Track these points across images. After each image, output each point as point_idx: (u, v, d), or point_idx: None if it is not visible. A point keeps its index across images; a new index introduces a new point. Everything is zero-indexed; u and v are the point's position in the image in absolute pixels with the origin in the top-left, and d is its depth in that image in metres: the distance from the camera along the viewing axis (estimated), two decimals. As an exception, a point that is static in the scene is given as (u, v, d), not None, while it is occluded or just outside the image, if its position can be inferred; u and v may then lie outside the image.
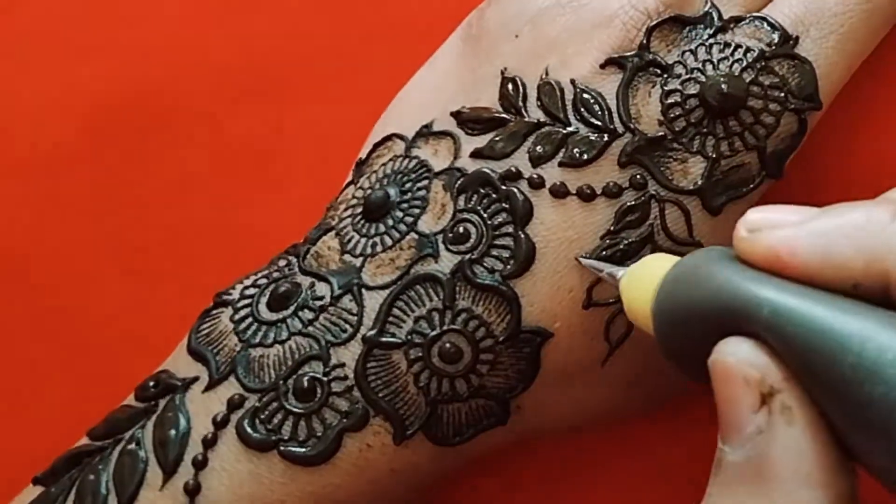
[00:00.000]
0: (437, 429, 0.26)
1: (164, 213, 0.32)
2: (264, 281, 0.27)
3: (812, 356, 0.17)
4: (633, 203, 0.25)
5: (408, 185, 0.27)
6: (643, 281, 0.22)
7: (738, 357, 0.18)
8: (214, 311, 0.27)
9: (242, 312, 0.27)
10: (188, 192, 0.32)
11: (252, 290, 0.27)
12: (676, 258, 0.22)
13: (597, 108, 0.25)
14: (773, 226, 0.19)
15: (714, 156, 0.25)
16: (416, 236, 0.26)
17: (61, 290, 0.32)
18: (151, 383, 0.27)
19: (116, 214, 0.32)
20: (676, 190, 0.25)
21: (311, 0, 0.31)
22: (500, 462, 0.29)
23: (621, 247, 0.25)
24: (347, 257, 0.27)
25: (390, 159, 0.28)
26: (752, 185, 0.25)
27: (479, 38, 0.28)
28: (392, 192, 0.27)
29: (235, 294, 0.27)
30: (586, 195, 0.25)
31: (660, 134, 0.25)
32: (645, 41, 0.25)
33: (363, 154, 0.29)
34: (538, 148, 0.26)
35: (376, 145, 0.28)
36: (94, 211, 0.32)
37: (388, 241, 0.26)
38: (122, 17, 0.32)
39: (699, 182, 0.25)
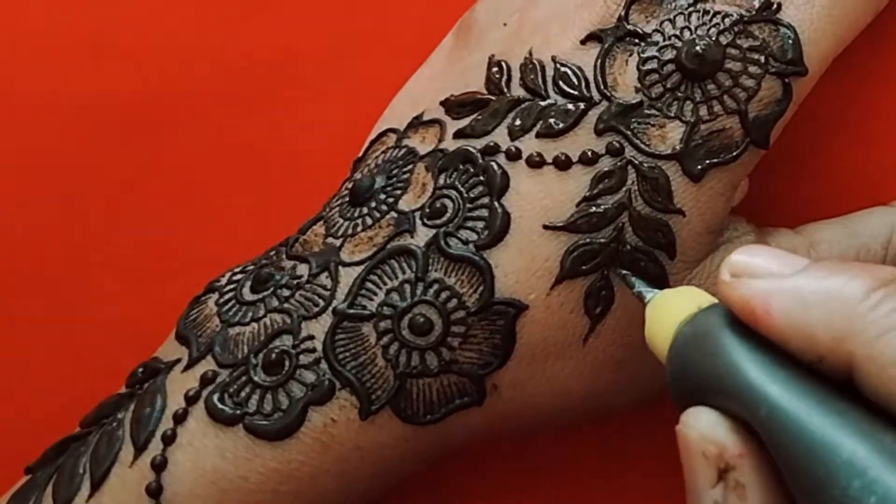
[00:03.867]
0: (406, 405, 0.24)
1: (167, 213, 0.32)
2: (252, 267, 0.28)
3: (802, 469, 0.17)
4: (609, 169, 0.24)
5: (395, 172, 0.27)
6: (664, 319, 0.21)
7: (698, 430, 0.18)
8: (203, 297, 0.28)
9: (227, 296, 0.27)
10: (191, 192, 0.32)
11: (239, 276, 0.27)
12: (698, 299, 0.21)
13: (575, 80, 0.25)
14: (753, 274, 0.18)
15: (693, 120, 0.24)
16: (395, 215, 0.26)
17: (63, 290, 0.32)
18: (140, 370, 0.27)
19: (118, 214, 0.32)
20: (654, 155, 0.24)
21: (314, 2, 0.32)
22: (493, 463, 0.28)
23: (597, 212, 0.24)
24: (330, 240, 0.27)
25: (382, 152, 0.28)
26: (735, 152, 0.24)
27: (469, 30, 0.28)
28: (379, 179, 0.27)
29: (224, 280, 0.28)
30: (562, 163, 0.25)
31: (636, 100, 0.25)
32: (624, 14, 0.25)
33: (361, 153, 0.29)
34: (517, 122, 0.25)
35: (372, 142, 0.29)
36: (96, 210, 0.32)
37: (369, 221, 0.26)
38: (123, 19, 0.32)
39: (677, 146, 0.24)
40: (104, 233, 0.32)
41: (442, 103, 0.27)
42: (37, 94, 0.33)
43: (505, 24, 0.27)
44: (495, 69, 0.27)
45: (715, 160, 0.24)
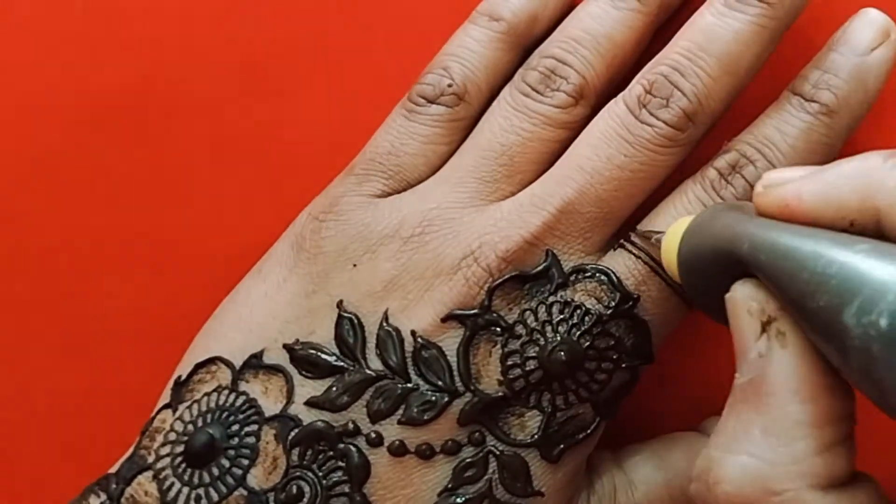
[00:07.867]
0: None
1: (163, 207, 0.31)
2: (75, 526, 0.25)
3: (781, 278, 0.19)
4: (470, 459, 0.25)
5: (235, 428, 0.25)
6: (675, 235, 0.23)
7: (743, 293, 0.20)
8: None
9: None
10: (187, 185, 0.31)
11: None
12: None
13: (437, 365, 0.25)
14: (786, 181, 0.20)
15: (550, 409, 0.25)
16: (244, 492, 0.25)
17: (60, 283, 0.31)
18: None
19: (114, 208, 0.31)
20: (514, 444, 0.25)
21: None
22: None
23: (459, 502, 0.25)
24: None
25: (214, 390, 0.26)
26: (588, 431, 0.26)
27: (314, 259, 0.26)
28: (217, 433, 0.25)
29: None
30: (425, 455, 0.25)
31: (499, 394, 0.25)
32: (486, 302, 0.25)
33: (183, 372, 0.27)
34: (377, 402, 0.25)
35: (198, 366, 0.26)
36: (92, 204, 0.31)
37: (215, 496, 0.25)
38: (119, 12, 0.32)
39: (536, 435, 0.25)
40: (102, 226, 0.31)
41: (287, 348, 0.25)
42: (31, 89, 0.32)
43: (355, 265, 0.26)
44: (347, 327, 0.25)
45: (570, 442, 0.25)
